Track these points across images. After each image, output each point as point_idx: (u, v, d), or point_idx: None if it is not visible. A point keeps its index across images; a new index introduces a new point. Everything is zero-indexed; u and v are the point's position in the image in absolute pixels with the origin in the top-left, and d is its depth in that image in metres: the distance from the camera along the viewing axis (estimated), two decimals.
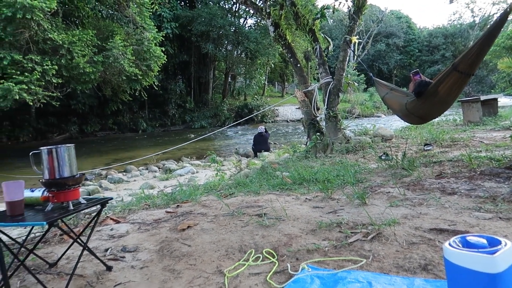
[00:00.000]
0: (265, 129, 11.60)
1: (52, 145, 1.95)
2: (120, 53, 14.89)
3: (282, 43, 7.43)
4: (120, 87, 17.12)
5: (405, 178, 3.77)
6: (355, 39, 7.07)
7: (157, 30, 18.10)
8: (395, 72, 43.70)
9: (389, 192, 3.26)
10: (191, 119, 25.37)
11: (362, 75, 29.76)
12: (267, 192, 3.78)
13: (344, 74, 7.04)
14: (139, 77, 16.44)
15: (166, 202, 3.81)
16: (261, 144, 10.98)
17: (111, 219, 3.22)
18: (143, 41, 16.61)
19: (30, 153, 1.98)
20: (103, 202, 2.09)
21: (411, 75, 4.58)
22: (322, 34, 7.58)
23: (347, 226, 2.43)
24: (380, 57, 42.09)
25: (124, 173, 9.81)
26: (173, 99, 25.03)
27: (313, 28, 7.28)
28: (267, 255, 2.10)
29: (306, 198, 3.34)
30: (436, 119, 7.47)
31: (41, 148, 1.93)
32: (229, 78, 30.28)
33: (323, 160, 5.55)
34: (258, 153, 10.63)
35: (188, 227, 2.71)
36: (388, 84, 5.57)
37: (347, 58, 7.31)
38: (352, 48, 7.12)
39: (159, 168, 10.35)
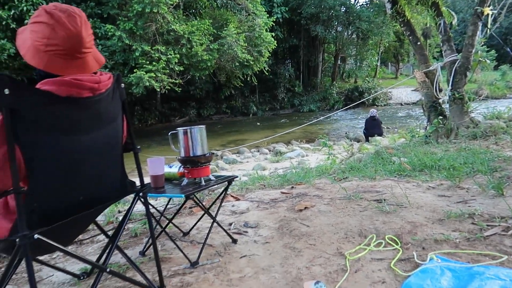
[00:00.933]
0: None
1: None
2: (234, 40, 15.60)
3: (400, 20, 6.92)
4: (233, 73, 17.99)
5: None
6: (488, 10, 6.24)
7: (267, 15, 18.44)
8: None
9: None
10: (300, 103, 25.45)
11: (492, 51, 26.18)
12: (384, 178, 3.63)
13: (473, 51, 6.29)
14: (251, 62, 17.05)
15: (280, 183, 3.92)
16: (373, 128, 10.51)
17: (232, 196, 3.44)
18: (254, 28, 17.13)
19: (169, 133, 2.21)
20: (230, 179, 2.24)
21: None
22: (446, 8, 6.86)
23: (482, 218, 2.20)
24: None
25: (238, 155, 10.37)
26: (282, 83, 25.39)
27: (437, 1, 6.62)
28: (389, 242, 2.03)
29: (429, 186, 3.12)
30: None
31: (178, 128, 2.14)
32: (339, 60, 29.45)
33: (446, 146, 5.09)
34: (370, 138, 10.22)
35: (305, 208, 2.76)
36: None
37: (477, 32, 6.50)
38: (484, 21, 6.30)
39: (269, 151, 10.70)
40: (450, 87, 6.26)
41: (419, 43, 6.93)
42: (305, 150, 10.01)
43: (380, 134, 10.46)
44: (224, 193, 2.35)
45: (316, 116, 17.42)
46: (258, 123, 19.68)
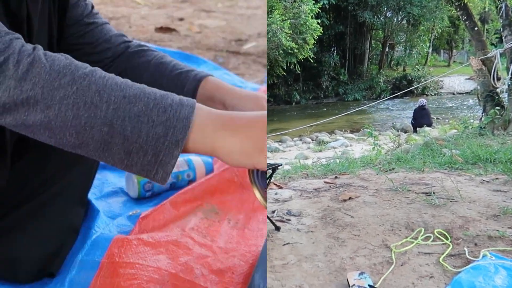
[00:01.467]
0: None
1: None
2: (278, 27, 15.47)
3: (456, 4, 6.56)
4: (277, 61, 17.86)
5: None
6: None
7: (313, 2, 18.08)
8: None
9: None
10: (345, 92, 24.83)
11: None
12: (433, 170, 3.48)
13: None
14: (295, 50, 16.85)
15: (323, 173, 3.88)
16: (422, 118, 10.08)
17: (274, 184, 3.45)
18: (300, 15, 16.88)
19: None
20: (274, 167, 2.25)
21: None
22: None
23: None
24: None
25: (280, 143, 10.37)
26: (326, 72, 24.85)
27: None
28: (439, 236, 1.95)
29: (482, 180, 2.96)
30: None
31: None
32: (387, 47, 28.36)
33: (503, 138, 4.80)
34: (418, 128, 9.82)
35: (349, 198, 2.71)
36: None
37: None
38: None
39: (312, 140, 10.61)
40: (510, 76, 5.89)
41: (476, 28, 6.55)
42: (349, 140, 9.83)
43: (429, 125, 10.02)
44: (268, 180, 2.36)
45: (359, 105, 16.97)
46: (295, 113, 19.50)
